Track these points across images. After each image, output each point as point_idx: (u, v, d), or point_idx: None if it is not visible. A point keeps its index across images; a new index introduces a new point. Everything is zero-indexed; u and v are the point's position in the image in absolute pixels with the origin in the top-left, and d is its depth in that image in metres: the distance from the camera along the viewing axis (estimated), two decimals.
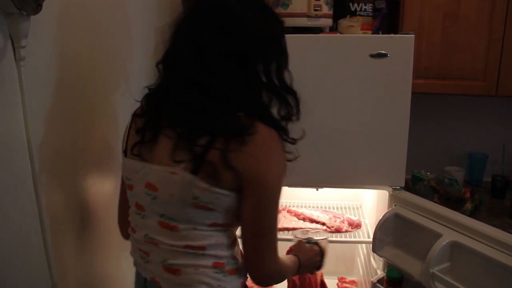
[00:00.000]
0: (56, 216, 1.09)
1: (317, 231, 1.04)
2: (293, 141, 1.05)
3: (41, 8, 0.94)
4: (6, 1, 0.85)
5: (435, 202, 2.11)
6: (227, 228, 1.05)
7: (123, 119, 1.21)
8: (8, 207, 0.91)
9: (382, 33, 2.21)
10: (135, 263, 1.16)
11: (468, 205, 2.14)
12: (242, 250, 1.07)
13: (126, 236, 1.20)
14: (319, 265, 1.38)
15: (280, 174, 1.01)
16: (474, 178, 2.61)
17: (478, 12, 2.18)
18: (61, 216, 1.13)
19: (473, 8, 2.18)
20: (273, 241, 1.04)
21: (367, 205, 2.47)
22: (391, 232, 1.77)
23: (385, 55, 1.71)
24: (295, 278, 2.23)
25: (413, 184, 2.37)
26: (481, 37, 2.20)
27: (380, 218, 1.77)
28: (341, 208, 2.50)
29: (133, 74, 1.53)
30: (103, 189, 1.29)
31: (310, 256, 1.35)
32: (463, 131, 2.69)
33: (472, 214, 2.11)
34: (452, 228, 1.53)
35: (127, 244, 1.17)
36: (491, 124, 2.65)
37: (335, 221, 2.22)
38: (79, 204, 1.24)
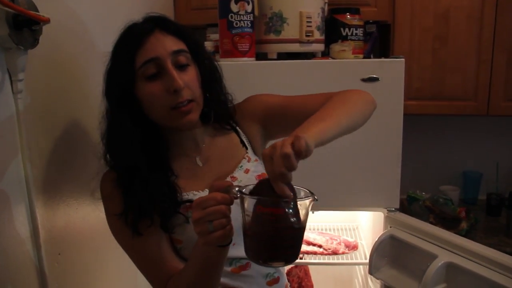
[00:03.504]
0: (52, 243, 1.09)
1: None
2: None
3: (37, 42, 0.96)
4: (4, 36, 0.87)
5: (430, 222, 2.13)
6: None
7: None
8: (2, 238, 0.92)
9: (374, 56, 2.25)
10: None
11: (464, 224, 2.15)
12: None
13: None
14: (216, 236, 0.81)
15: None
16: (469, 197, 2.62)
17: (467, 34, 2.23)
18: (58, 241, 1.13)
19: (462, 30, 2.23)
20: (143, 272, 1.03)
21: (363, 226, 2.47)
22: (387, 254, 1.78)
23: (376, 79, 1.74)
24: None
25: (408, 204, 2.38)
26: (470, 58, 2.25)
27: (376, 240, 1.77)
28: (337, 229, 2.50)
29: None
30: (101, 217, 1.30)
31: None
32: (456, 150, 2.71)
33: (468, 233, 2.12)
34: (447, 249, 1.54)
35: (126, 267, 1.17)
36: (484, 143, 2.68)
37: (331, 243, 2.22)
38: (78, 232, 1.24)
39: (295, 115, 1.06)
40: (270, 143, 1.06)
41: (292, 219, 0.77)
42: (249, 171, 1.10)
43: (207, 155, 1.10)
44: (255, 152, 1.16)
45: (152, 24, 0.98)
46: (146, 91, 0.97)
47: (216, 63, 1.10)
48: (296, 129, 0.84)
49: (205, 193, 1.03)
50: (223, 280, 1.03)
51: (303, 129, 0.83)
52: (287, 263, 0.81)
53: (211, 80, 1.07)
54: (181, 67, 0.98)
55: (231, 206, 0.82)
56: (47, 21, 0.94)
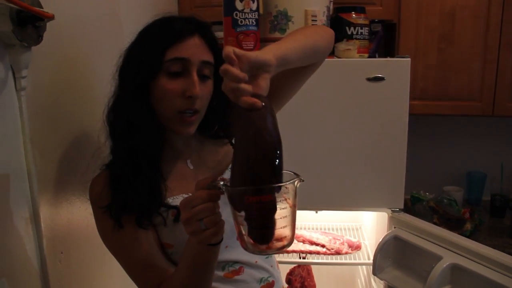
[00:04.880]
0: (55, 241, 1.09)
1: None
2: None
3: (41, 39, 0.96)
4: (7, 33, 0.86)
5: (434, 222, 2.11)
6: None
7: None
8: (5, 236, 0.91)
9: (379, 55, 2.24)
10: None
11: (468, 225, 2.14)
12: None
13: None
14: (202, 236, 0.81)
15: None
16: (473, 197, 2.61)
17: (473, 34, 2.21)
18: (61, 240, 1.13)
19: (468, 30, 2.21)
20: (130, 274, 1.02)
21: (366, 226, 2.46)
22: (391, 255, 1.77)
23: (381, 79, 1.73)
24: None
25: (412, 205, 2.37)
26: (476, 58, 2.23)
27: (380, 240, 1.76)
28: (340, 229, 2.49)
29: None
30: None
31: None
32: (461, 150, 2.70)
33: (472, 234, 2.11)
34: (452, 250, 1.53)
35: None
36: (489, 143, 2.66)
37: (334, 243, 2.21)
38: (81, 230, 1.23)
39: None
40: None
41: (282, 201, 0.74)
42: None
43: (199, 158, 1.10)
44: None
45: (194, 27, 0.99)
46: (164, 86, 0.96)
47: None
48: None
49: None
50: (215, 284, 1.02)
51: (263, 49, 0.80)
52: (286, 246, 0.77)
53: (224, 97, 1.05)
54: (202, 78, 0.99)
55: (224, 208, 0.81)
56: (51, 17, 0.94)
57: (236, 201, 0.76)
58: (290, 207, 0.76)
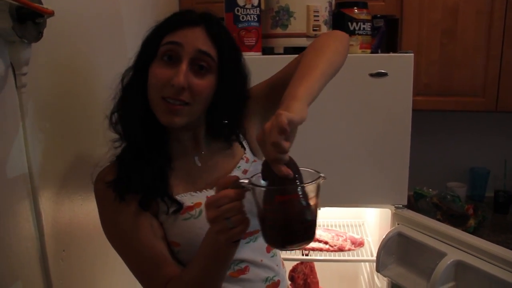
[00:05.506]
0: (57, 239, 1.08)
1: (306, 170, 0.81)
2: None
3: (42, 36, 0.95)
4: (7, 29, 0.85)
5: (438, 219, 2.11)
6: None
7: None
8: (7, 234, 0.91)
9: (381, 51, 2.23)
10: None
11: (472, 222, 2.13)
12: None
13: None
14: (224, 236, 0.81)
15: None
16: (476, 193, 2.60)
17: (476, 29, 2.20)
18: (63, 238, 1.12)
19: (471, 25, 2.19)
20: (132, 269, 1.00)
21: (369, 222, 2.45)
22: (395, 251, 1.76)
23: (385, 74, 1.72)
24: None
25: (415, 201, 2.36)
26: (479, 53, 2.22)
27: (384, 237, 1.75)
28: (343, 226, 2.48)
29: None
30: None
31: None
32: (464, 146, 2.68)
33: (475, 231, 2.10)
34: (456, 246, 1.52)
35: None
36: (492, 139, 2.65)
37: (337, 240, 2.20)
38: (82, 228, 1.23)
39: (283, 87, 1.06)
40: None
41: (309, 200, 0.78)
42: (247, 172, 1.08)
43: (206, 155, 1.07)
44: (253, 153, 1.13)
45: (201, 19, 0.97)
46: (155, 70, 0.94)
47: (247, 87, 1.07)
48: (283, 96, 0.84)
49: (202, 194, 1.02)
50: None
51: (290, 94, 0.84)
52: (310, 241, 0.81)
53: (230, 100, 1.02)
54: (200, 68, 0.95)
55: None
56: (51, 13, 0.93)
57: (266, 200, 0.79)
58: (314, 204, 0.79)
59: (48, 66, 1.07)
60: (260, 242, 1.05)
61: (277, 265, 1.13)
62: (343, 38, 1.07)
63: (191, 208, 0.99)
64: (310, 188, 0.78)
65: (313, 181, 0.78)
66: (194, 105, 0.95)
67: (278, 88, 1.01)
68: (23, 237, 0.96)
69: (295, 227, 0.79)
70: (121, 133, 1.00)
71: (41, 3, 0.93)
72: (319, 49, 0.98)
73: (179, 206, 0.98)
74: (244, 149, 1.11)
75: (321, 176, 0.79)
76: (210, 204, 0.80)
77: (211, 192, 1.01)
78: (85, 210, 1.24)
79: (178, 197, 0.99)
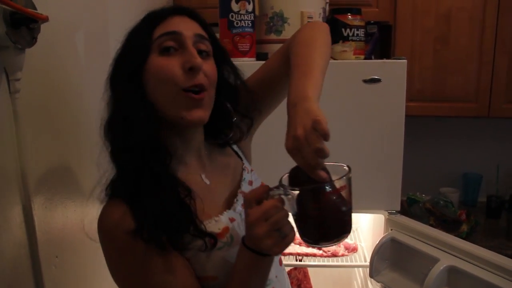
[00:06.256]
0: (49, 245, 1.08)
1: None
2: None
3: (35, 41, 0.95)
4: (1, 35, 0.85)
5: (431, 224, 2.11)
6: None
7: None
8: None
9: (375, 57, 2.24)
10: None
11: (464, 227, 2.14)
12: None
13: None
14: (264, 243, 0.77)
15: None
16: (469, 199, 2.62)
17: (468, 36, 2.22)
18: (55, 244, 1.12)
19: (463, 32, 2.22)
20: None
21: (363, 228, 2.46)
22: (388, 257, 1.76)
23: (378, 80, 1.73)
24: None
25: (408, 207, 2.37)
26: (472, 60, 2.24)
27: (377, 243, 1.76)
28: None
29: None
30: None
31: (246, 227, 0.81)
32: (457, 152, 2.70)
33: (468, 236, 2.11)
34: (449, 252, 1.53)
35: None
36: (485, 145, 2.67)
37: None
38: (76, 234, 1.22)
39: (270, 83, 1.02)
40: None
41: (349, 194, 0.80)
42: (252, 183, 1.03)
43: (210, 171, 0.98)
44: (248, 161, 1.10)
45: (180, 8, 0.91)
46: (158, 64, 0.85)
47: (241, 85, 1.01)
48: (291, 97, 0.80)
49: (224, 216, 0.91)
50: None
51: (301, 95, 0.79)
52: (349, 233, 0.83)
53: (230, 88, 0.98)
54: (201, 53, 0.88)
55: None
56: (45, 19, 0.93)
57: (312, 199, 0.79)
58: (351, 195, 0.81)
59: (42, 71, 1.06)
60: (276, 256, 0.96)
61: (286, 278, 1.07)
62: (326, 28, 1.03)
63: (221, 235, 0.88)
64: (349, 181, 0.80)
65: (344, 175, 0.79)
66: (210, 89, 0.89)
67: (266, 85, 1.00)
68: (16, 244, 0.95)
69: (343, 220, 0.81)
70: (122, 159, 0.87)
71: (35, 8, 0.93)
72: (310, 43, 0.94)
73: (214, 238, 0.86)
74: (241, 159, 1.07)
75: (347, 168, 0.82)
76: (258, 219, 0.76)
77: (231, 213, 0.93)
78: (79, 216, 1.23)
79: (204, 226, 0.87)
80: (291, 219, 0.80)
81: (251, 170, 1.07)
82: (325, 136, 0.70)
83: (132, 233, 0.80)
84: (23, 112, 0.95)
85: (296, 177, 0.79)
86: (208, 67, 0.88)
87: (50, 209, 1.10)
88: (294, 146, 0.73)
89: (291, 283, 2.27)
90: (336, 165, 0.82)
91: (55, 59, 1.12)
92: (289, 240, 0.78)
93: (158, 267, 0.82)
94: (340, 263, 2.15)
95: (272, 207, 0.76)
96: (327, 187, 0.77)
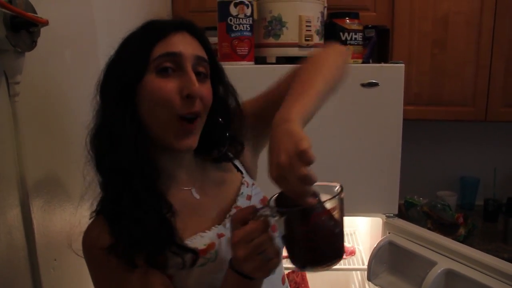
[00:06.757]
0: (48, 248, 1.08)
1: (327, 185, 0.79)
2: None
3: (35, 45, 0.95)
4: (1, 38, 0.85)
5: (428, 227, 2.12)
6: None
7: None
8: None
9: (372, 61, 2.25)
10: None
11: (462, 230, 2.14)
12: None
13: None
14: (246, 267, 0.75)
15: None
16: (466, 202, 2.62)
17: (466, 40, 2.23)
18: (54, 247, 1.12)
19: (461, 36, 2.23)
20: None
21: (360, 231, 2.46)
22: (386, 260, 1.77)
23: (376, 84, 1.73)
24: None
25: (406, 210, 2.38)
26: (469, 64, 2.25)
27: (375, 246, 1.76)
28: None
29: None
30: None
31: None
32: (454, 155, 2.71)
33: (465, 239, 2.12)
34: (446, 255, 1.53)
35: None
36: (482, 148, 2.68)
37: None
38: (73, 238, 1.22)
39: (274, 104, 0.99)
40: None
41: (340, 215, 0.76)
42: (251, 197, 0.99)
43: (202, 185, 0.96)
44: (250, 175, 1.06)
45: (180, 24, 0.88)
46: (155, 85, 0.83)
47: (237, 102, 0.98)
48: (275, 117, 0.76)
49: (212, 232, 0.89)
50: None
51: (285, 111, 0.76)
52: (340, 258, 0.78)
53: (225, 107, 0.96)
54: (199, 75, 0.86)
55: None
56: (45, 23, 0.93)
57: (299, 221, 0.75)
58: (342, 216, 0.76)
59: (42, 75, 1.06)
60: (277, 273, 0.96)
61: None
62: (341, 51, 1.01)
63: (204, 251, 0.85)
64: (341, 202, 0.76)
65: (336, 195, 0.75)
66: (203, 116, 0.88)
67: (270, 105, 0.94)
68: (14, 246, 0.95)
69: (333, 243, 0.76)
70: (104, 175, 0.87)
71: (35, 12, 0.93)
72: (316, 65, 0.91)
73: (195, 254, 0.84)
74: (241, 172, 1.03)
75: (339, 188, 0.78)
76: (239, 241, 0.74)
77: (221, 229, 0.90)
78: (77, 219, 1.23)
79: (188, 242, 0.85)
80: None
81: (252, 184, 1.03)
82: (310, 163, 0.68)
83: (106, 249, 0.80)
84: (22, 115, 0.95)
85: (287, 197, 0.74)
86: (205, 90, 0.87)
87: (48, 212, 1.10)
88: (278, 174, 0.70)
89: (289, 286, 2.27)
90: (328, 185, 0.78)
91: (55, 63, 1.13)
92: (274, 264, 0.76)
93: (134, 285, 0.82)
94: (338, 266, 2.13)
95: (254, 230, 0.74)
96: (317, 208, 0.73)
